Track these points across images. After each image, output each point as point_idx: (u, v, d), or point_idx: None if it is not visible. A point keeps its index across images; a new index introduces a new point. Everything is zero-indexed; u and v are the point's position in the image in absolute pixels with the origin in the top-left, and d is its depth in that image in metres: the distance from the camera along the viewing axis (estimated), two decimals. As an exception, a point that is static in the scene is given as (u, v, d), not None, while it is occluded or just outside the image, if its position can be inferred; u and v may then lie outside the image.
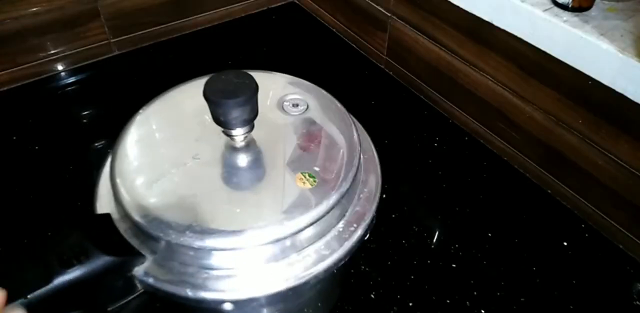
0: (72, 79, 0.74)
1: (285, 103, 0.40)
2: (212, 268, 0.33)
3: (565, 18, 0.47)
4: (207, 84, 0.32)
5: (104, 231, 0.33)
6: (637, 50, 0.43)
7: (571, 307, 0.49)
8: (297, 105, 0.40)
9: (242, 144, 0.36)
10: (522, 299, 0.50)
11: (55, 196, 0.57)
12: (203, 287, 0.33)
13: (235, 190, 0.34)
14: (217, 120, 0.34)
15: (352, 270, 0.51)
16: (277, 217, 0.32)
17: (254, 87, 0.32)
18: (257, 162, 0.36)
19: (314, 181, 0.35)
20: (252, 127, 0.35)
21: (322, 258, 0.34)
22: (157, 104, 0.40)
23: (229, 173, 0.35)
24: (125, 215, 0.33)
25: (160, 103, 0.40)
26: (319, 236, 0.35)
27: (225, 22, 0.84)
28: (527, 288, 0.50)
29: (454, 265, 0.52)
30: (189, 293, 0.33)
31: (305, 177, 0.35)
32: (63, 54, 0.73)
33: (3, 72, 0.70)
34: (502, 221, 0.57)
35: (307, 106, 0.40)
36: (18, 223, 0.54)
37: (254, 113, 0.34)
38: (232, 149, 0.36)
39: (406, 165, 0.63)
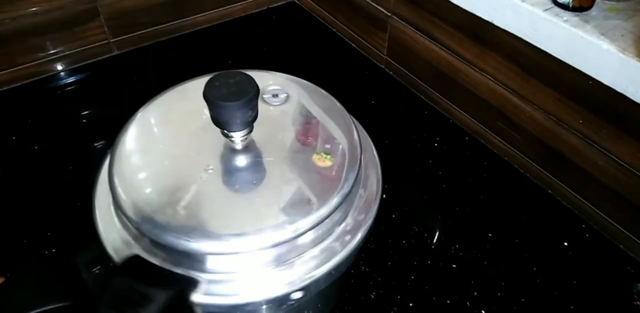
0: (71, 79, 0.74)
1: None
2: (210, 272, 0.33)
3: (565, 18, 0.47)
4: (207, 85, 0.32)
5: (144, 270, 0.32)
6: (638, 50, 0.43)
7: (572, 307, 0.49)
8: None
9: (242, 145, 0.36)
10: (522, 299, 0.49)
11: (55, 196, 0.57)
12: (200, 291, 0.33)
13: (234, 192, 0.34)
14: (217, 122, 0.33)
15: (352, 271, 0.51)
16: (278, 221, 0.32)
17: (255, 89, 0.32)
18: (257, 164, 0.36)
19: (332, 157, 0.35)
20: (251, 129, 0.35)
21: (323, 262, 0.34)
22: (156, 103, 0.40)
23: (228, 176, 0.35)
24: (123, 215, 0.33)
25: (159, 103, 0.40)
26: (320, 239, 0.35)
27: (225, 22, 0.84)
28: (528, 289, 0.50)
29: (454, 266, 0.52)
30: None
31: (322, 156, 0.35)
32: (62, 54, 0.73)
33: (3, 72, 0.70)
34: (503, 221, 0.57)
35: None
36: (18, 224, 0.54)
37: (254, 115, 0.34)
38: (232, 151, 0.36)
39: (406, 165, 0.63)
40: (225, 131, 0.34)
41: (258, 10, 0.87)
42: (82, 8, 0.70)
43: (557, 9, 0.48)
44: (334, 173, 0.35)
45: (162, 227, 0.31)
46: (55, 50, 0.72)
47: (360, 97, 0.72)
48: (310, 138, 0.38)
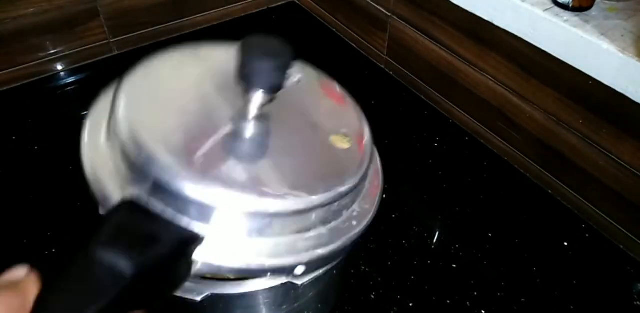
0: (71, 79, 0.74)
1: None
2: (213, 229, 0.30)
3: (565, 18, 0.47)
4: (243, 43, 0.30)
5: (145, 213, 0.29)
6: (638, 50, 0.43)
7: (572, 307, 0.49)
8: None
9: (257, 112, 0.33)
10: (522, 299, 0.49)
11: (55, 196, 0.57)
12: (200, 249, 0.31)
13: (247, 157, 0.33)
14: (248, 78, 0.31)
15: (352, 271, 0.51)
16: (293, 188, 0.30)
17: (291, 54, 0.31)
18: (273, 134, 0.34)
19: (350, 140, 0.35)
20: (274, 98, 0.33)
21: (329, 242, 0.33)
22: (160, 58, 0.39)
23: (242, 142, 0.33)
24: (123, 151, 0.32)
25: (163, 58, 0.39)
26: (329, 220, 0.34)
27: (224, 22, 0.84)
28: (528, 289, 0.50)
29: (454, 266, 0.52)
30: None
31: (341, 137, 0.35)
32: (62, 54, 0.73)
33: (3, 72, 0.70)
34: (503, 221, 0.57)
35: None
36: (18, 223, 0.54)
37: (283, 81, 0.32)
38: (246, 119, 0.34)
39: (406, 165, 0.63)
40: (252, 90, 0.32)
41: (258, 10, 0.87)
42: (82, 8, 0.70)
43: (557, 9, 0.48)
44: (351, 155, 0.35)
45: (170, 168, 0.29)
46: (55, 50, 0.72)
47: (360, 97, 0.71)
48: (325, 119, 0.37)
